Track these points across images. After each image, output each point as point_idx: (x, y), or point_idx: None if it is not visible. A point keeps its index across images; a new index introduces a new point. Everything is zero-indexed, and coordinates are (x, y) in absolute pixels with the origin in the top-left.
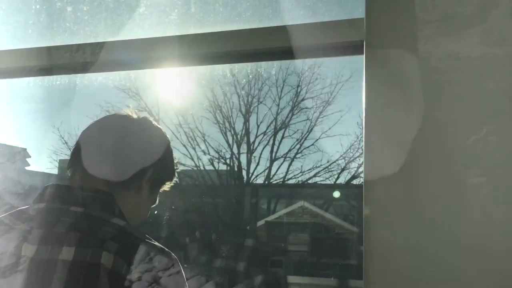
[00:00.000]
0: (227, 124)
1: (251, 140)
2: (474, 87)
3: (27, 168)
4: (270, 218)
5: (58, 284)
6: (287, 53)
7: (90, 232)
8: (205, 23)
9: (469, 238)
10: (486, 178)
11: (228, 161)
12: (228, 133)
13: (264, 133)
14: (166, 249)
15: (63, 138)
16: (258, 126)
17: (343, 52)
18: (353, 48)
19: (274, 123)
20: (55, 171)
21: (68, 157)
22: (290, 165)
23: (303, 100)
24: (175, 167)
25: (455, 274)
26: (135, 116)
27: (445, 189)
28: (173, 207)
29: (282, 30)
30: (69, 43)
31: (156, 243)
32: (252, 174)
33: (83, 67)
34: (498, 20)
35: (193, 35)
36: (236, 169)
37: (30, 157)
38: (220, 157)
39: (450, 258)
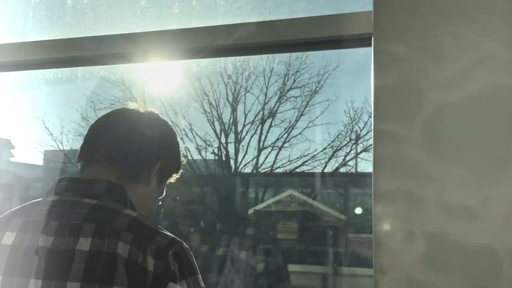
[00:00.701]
0: (214, 113)
1: (239, 129)
2: (482, 80)
3: (11, 159)
4: (259, 207)
5: (76, 273)
6: (293, 46)
7: (105, 223)
8: (206, 16)
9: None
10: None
11: (216, 150)
12: (216, 123)
13: (252, 122)
14: (178, 239)
15: (48, 129)
16: (246, 116)
17: (351, 44)
18: (361, 41)
19: (261, 112)
20: (40, 162)
21: (53, 149)
22: (277, 154)
23: (290, 89)
24: (181, 160)
25: None
26: (142, 110)
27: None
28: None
29: (287, 23)
30: (70, 37)
31: (169, 233)
32: (240, 163)
33: (84, 60)
34: (502, 14)
35: (194, 29)
36: (224, 158)
37: (14, 148)
38: (208, 146)
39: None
